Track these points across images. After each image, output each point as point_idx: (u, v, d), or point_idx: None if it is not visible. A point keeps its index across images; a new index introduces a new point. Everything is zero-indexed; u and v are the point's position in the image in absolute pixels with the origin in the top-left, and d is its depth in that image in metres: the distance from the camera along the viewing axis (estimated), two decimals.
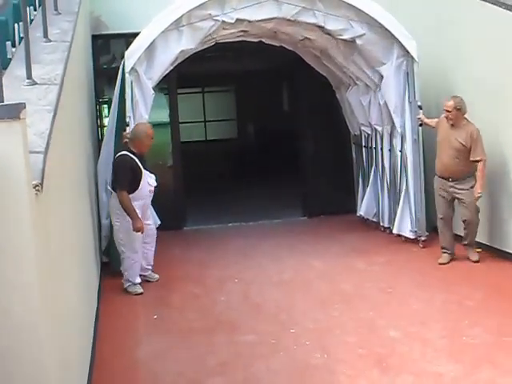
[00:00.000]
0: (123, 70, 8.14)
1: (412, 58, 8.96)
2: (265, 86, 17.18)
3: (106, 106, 13.50)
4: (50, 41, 6.01)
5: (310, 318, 6.43)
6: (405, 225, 9.24)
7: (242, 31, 9.35)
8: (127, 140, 7.53)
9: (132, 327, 6.52)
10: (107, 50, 11.32)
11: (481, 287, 7.14)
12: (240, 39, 9.88)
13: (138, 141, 7.39)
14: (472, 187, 7.90)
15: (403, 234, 9.23)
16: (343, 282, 7.57)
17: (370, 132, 10.39)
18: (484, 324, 5.99)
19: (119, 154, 7.43)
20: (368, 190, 10.43)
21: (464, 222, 8.14)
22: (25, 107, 3.23)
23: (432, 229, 8.88)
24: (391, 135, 9.69)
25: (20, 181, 3.11)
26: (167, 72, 8.85)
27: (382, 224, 10.03)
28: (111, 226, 7.82)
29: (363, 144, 10.73)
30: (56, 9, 7.03)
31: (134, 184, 7.31)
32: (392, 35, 9.01)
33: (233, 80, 19.04)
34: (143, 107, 8.26)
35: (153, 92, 8.45)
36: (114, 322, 6.63)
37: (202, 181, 13.89)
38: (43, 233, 3.53)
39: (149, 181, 7.48)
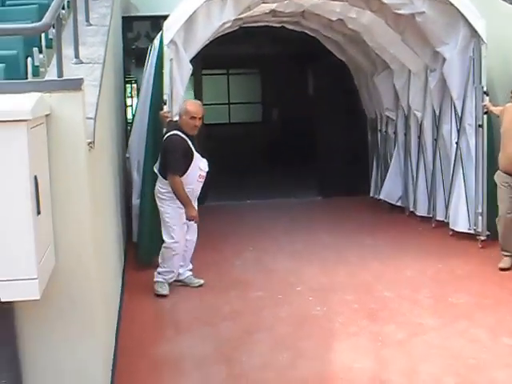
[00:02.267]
0: (160, 43, 7.90)
1: (480, 38, 8.51)
2: (290, 69, 18.25)
3: (128, 85, 14.66)
4: (91, 25, 7.21)
5: (314, 281, 7.59)
6: (460, 220, 9.12)
7: (273, 11, 9.80)
8: (171, 119, 7.41)
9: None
10: (135, 30, 12.56)
11: None
12: (263, 23, 10.94)
13: (181, 119, 6.99)
14: None
15: (458, 229, 9.12)
16: (349, 254, 8.70)
17: (394, 117, 11.11)
18: None
19: (169, 134, 6.96)
20: (389, 174, 11.28)
21: None
22: (83, 81, 4.39)
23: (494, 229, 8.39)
24: (439, 122, 9.73)
25: (80, 138, 4.24)
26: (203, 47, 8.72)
27: (409, 209, 10.76)
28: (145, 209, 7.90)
29: (383, 129, 11.70)
30: None
31: (182, 167, 6.90)
32: (458, 12, 8.57)
33: (258, 63, 20.09)
34: (180, 83, 8.01)
35: (191, 67, 8.23)
36: (138, 275, 7.78)
37: (224, 162, 15.06)
38: (92, 178, 4.67)
39: (200, 165, 7.02)
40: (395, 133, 11.24)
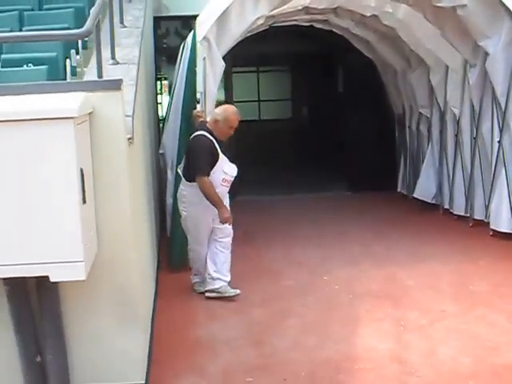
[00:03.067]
0: (193, 40, 7.80)
1: None
2: (319, 67, 18.58)
3: (158, 82, 15.08)
4: (125, 26, 7.65)
5: (341, 271, 7.97)
6: (501, 220, 9.03)
7: (306, 7, 9.82)
8: (203, 120, 7.23)
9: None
10: (164, 27, 13.04)
11: None
12: (292, 22, 11.28)
13: (216, 124, 6.84)
14: None
15: (501, 229, 8.99)
16: (375, 246, 9.08)
17: (429, 114, 11.25)
18: None
19: (197, 133, 6.84)
20: (423, 172, 11.45)
21: None
22: (122, 82, 4.82)
23: None
24: (479, 119, 9.63)
25: (120, 134, 4.68)
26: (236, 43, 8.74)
27: (444, 207, 10.91)
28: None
29: (414, 125, 11.95)
30: None
31: (210, 168, 6.75)
32: (502, 5, 8.36)
33: (287, 60, 20.47)
34: (213, 81, 8.00)
35: (223, 64, 8.19)
36: (171, 278, 8.02)
37: (254, 158, 15.52)
38: (131, 171, 5.10)
39: (224, 168, 6.82)
40: (429, 130, 11.44)
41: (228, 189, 6.98)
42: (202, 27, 7.77)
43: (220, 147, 6.79)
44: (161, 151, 9.30)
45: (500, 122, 9.08)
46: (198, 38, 7.74)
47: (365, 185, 12.76)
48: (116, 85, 4.68)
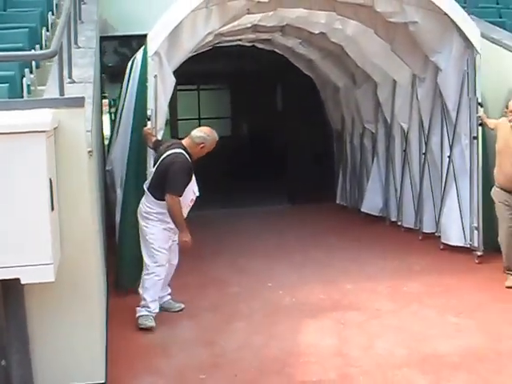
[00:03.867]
0: (144, 55, 7.72)
1: (474, 48, 8.51)
2: (258, 85, 19.11)
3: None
4: (79, 47, 8.02)
5: (284, 277, 8.44)
6: (453, 233, 9.16)
7: (254, 25, 9.85)
8: (156, 137, 7.36)
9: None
10: (104, 48, 13.40)
11: None
12: (238, 41, 11.59)
13: (199, 144, 6.76)
14: None
15: (452, 243, 9.15)
16: (316, 253, 9.60)
17: (374, 129, 11.58)
18: None
19: (176, 151, 6.68)
20: (369, 186, 11.77)
21: None
22: (85, 99, 5.22)
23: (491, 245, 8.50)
24: (428, 133, 9.81)
25: (82, 147, 5.07)
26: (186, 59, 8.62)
27: (391, 219, 11.21)
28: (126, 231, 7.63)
29: (355, 140, 12.43)
30: (80, 18, 9.02)
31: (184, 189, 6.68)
32: (452, 22, 8.59)
33: (227, 79, 20.97)
34: (163, 97, 7.92)
35: (174, 79, 8.13)
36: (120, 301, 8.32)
37: (196, 174, 15.91)
38: (90, 180, 5.49)
39: (194, 188, 6.89)
40: (374, 145, 11.81)
41: (189, 208, 6.91)
42: (153, 42, 7.62)
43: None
44: (107, 168, 9.25)
45: (450, 136, 9.26)
46: (149, 54, 7.62)
47: (304, 197, 13.29)
48: (79, 102, 5.09)
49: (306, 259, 9.30)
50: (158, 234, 6.76)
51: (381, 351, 5.97)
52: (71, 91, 6.26)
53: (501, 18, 11.06)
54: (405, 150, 10.66)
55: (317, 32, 10.17)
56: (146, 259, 6.82)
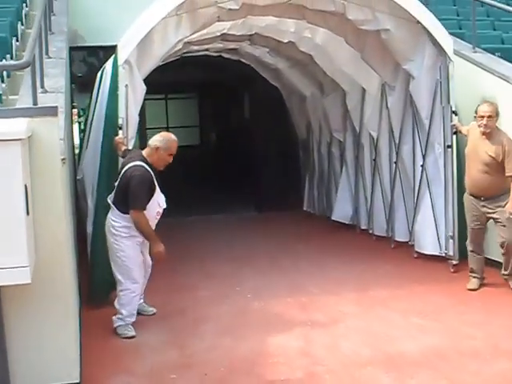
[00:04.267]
0: (114, 63, 7.64)
1: (447, 56, 8.52)
2: (226, 94, 19.36)
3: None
4: (50, 57, 8.13)
5: (252, 281, 8.63)
6: (427, 243, 9.15)
7: (223, 34, 9.92)
8: (126, 147, 7.27)
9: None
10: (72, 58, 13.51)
11: None
12: (205, 50, 11.75)
13: (155, 152, 6.63)
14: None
15: (426, 252, 9.16)
16: (283, 259, 9.80)
17: (342, 138, 11.65)
18: None
19: (134, 164, 6.53)
20: (339, 195, 11.86)
21: (502, 245, 7.55)
22: (58, 108, 5.37)
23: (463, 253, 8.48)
24: (399, 142, 9.80)
25: (56, 155, 5.21)
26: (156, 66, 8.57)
27: (361, 227, 11.32)
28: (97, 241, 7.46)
29: (323, 149, 12.60)
30: (50, 29, 9.14)
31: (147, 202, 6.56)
32: (425, 30, 8.60)
33: (195, 88, 21.14)
34: (134, 106, 7.87)
35: (144, 87, 8.10)
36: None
37: (164, 183, 16.06)
38: (63, 186, 5.62)
39: (159, 200, 6.69)
40: (342, 154, 11.90)
41: (157, 221, 6.78)
42: (124, 50, 7.53)
43: (155, 177, 6.61)
44: (78, 177, 9.22)
45: (422, 145, 9.24)
46: (120, 62, 7.53)
47: (272, 205, 13.54)
48: (53, 111, 5.24)
49: (274, 265, 9.49)
50: (129, 251, 6.62)
51: (346, 351, 6.16)
52: (44, 100, 6.39)
53: (461, 29, 11.35)
54: (374, 159, 10.73)
55: (286, 41, 10.25)
56: (119, 277, 6.69)
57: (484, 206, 7.59)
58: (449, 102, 8.55)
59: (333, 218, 11.93)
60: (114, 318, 6.81)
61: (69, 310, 5.41)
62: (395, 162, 10.01)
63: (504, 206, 7.36)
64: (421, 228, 9.27)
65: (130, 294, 6.70)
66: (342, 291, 8.07)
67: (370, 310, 7.33)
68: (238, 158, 17.81)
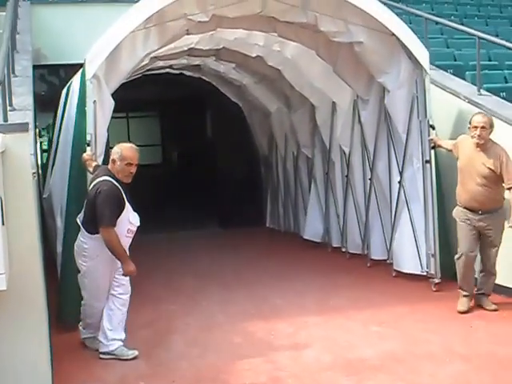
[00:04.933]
0: (82, 78, 7.57)
1: (423, 69, 8.50)
2: (188, 112, 19.67)
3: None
4: (17, 76, 8.44)
5: (217, 295, 8.96)
6: (406, 261, 9.02)
7: (190, 49, 9.92)
8: (97, 164, 7.09)
9: None
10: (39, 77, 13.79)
11: None
12: (168, 68, 12.04)
13: (114, 165, 6.48)
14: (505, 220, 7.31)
15: (406, 270, 9.02)
16: (247, 273, 10.16)
17: (311, 154, 11.72)
18: None
19: (100, 180, 6.40)
20: (309, 213, 11.89)
21: (485, 263, 7.64)
22: (29, 125, 5.68)
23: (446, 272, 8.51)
24: (374, 158, 9.74)
25: (27, 169, 5.53)
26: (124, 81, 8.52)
27: (332, 245, 11.31)
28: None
29: (288, 165, 12.86)
30: (15, 48, 9.43)
31: (116, 219, 6.36)
32: (400, 43, 8.59)
33: (157, 106, 21.45)
34: (103, 121, 7.77)
35: (113, 102, 8.01)
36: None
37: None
38: (34, 199, 5.93)
39: (130, 218, 6.53)
40: (311, 171, 11.97)
41: (131, 240, 6.64)
42: (92, 65, 7.44)
43: (124, 192, 6.46)
44: (44, 195, 9.28)
45: (399, 160, 9.15)
46: (88, 76, 7.43)
47: (235, 221, 13.89)
48: (24, 128, 5.58)
49: (238, 279, 9.86)
50: (97, 273, 6.51)
51: (308, 358, 6.52)
52: (13, 118, 6.71)
53: (448, 47, 12.10)
54: (347, 176, 10.62)
55: (254, 55, 10.31)
56: (84, 294, 6.68)
57: (480, 221, 7.44)
58: (426, 116, 8.51)
59: (304, 237, 11.91)
60: (80, 327, 7.03)
61: (41, 318, 5.70)
62: (370, 179, 9.95)
63: (498, 223, 7.35)
64: (400, 246, 9.16)
65: (93, 309, 6.74)
66: (304, 302, 8.43)
67: (331, 320, 7.67)
68: (201, 176, 18.14)
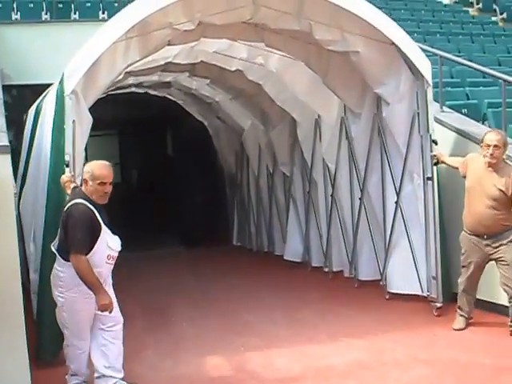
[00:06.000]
0: (60, 95, 7.25)
1: (425, 80, 8.21)
2: (148, 131, 20.07)
3: None
4: None
5: (186, 312, 9.43)
6: (404, 282, 8.83)
7: (168, 63, 9.83)
8: (76, 185, 6.49)
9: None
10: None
11: None
12: (130, 90, 12.55)
13: (86, 186, 6.05)
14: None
15: (402, 291, 8.87)
16: (214, 291, 10.65)
17: (289, 172, 11.70)
18: None
19: (72, 202, 5.97)
20: (289, 233, 11.89)
21: (506, 289, 7.26)
22: (9, 147, 6.12)
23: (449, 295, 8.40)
24: (365, 175, 9.51)
25: (10, 189, 5.99)
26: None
27: (311, 265, 11.29)
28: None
29: (264, 183, 12.98)
30: None
31: (88, 245, 5.86)
32: (399, 52, 8.30)
33: (115, 125, 21.77)
34: (81, 139, 7.42)
35: (91, 118, 7.64)
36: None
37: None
38: (15, 217, 6.35)
39: (109, 243, 6.04)
40: (289, 189, 11.94)
41: (112, 267, 6.24)
42: (71, 80, 7.08)
43: (101, 216, 6.01)
44: None
45: (395, 178, 8.90)
46: (67, 92, 7.09)
47: (199, 240, 14.38)
48: (5, 149, 6.04)
49: (207, 297, 10.32)
50: (76, 305, 6.03)
51: (280, 368, 7.02)
52: None
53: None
54: (332, 195, 10.35)
55: (233, 69, 10.14)
56: (64, 331, 6.21)
57: (487, 246, 7.25)
58: (428, 131, 8.21)
59: (285, 258, 11.87)
60: (67, 376, 6.40)
61: (21, 336, 6.11)
62: (360, 198, 9.68)
63: (507, 243, 7.15)
64: (396, 267, 8.97)
65: (77, 350, 6.21)
66: (274, 316, 8.90)
67: (301, 332, 8.15)
68: (162, 194, 18.54)
